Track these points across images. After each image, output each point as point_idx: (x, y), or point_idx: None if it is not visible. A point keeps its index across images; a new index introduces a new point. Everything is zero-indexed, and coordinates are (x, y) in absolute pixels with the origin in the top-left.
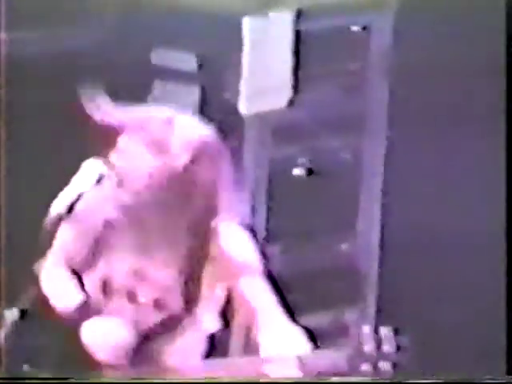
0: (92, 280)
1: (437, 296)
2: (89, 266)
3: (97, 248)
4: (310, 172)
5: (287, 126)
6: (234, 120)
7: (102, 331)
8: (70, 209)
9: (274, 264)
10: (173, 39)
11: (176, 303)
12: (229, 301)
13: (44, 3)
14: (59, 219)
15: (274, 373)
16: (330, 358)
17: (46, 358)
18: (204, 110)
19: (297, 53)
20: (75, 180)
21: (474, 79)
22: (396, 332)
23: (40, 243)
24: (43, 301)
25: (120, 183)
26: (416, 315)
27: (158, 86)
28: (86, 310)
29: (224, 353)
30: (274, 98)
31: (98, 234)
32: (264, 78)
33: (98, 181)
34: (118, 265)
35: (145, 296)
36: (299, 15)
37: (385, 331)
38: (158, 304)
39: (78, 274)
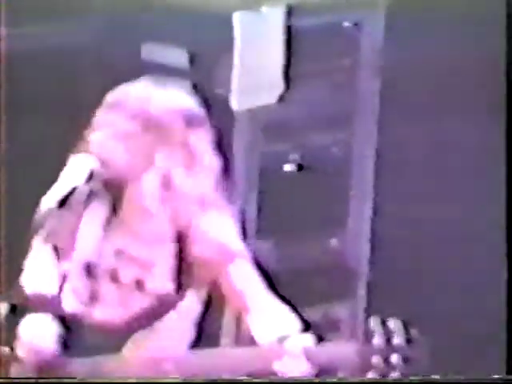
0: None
1: (427, 292)
2: (71, 249)
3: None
4: (300, 168)
5: (278, 122)
6: (225, 116)
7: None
8: (62, 203)
9: (264, 259)
10: (164, 35)
11: (163, 285)
12: (218, 289)
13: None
14: (50, 214)
15: (284, 368)
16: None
17: None
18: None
19: (288, 49)
20: (66, 175)
21: (465, 77)
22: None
23: (31, 238)
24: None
25: (103, 163)
26: (406, 311)
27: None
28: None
29: (215, 343)
30: (265, 94)
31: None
32: (255, 73)
33: (90, 176)
34: (103, 243)
35: (127, 276)
36: (290, 11)
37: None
38: (141, 286)
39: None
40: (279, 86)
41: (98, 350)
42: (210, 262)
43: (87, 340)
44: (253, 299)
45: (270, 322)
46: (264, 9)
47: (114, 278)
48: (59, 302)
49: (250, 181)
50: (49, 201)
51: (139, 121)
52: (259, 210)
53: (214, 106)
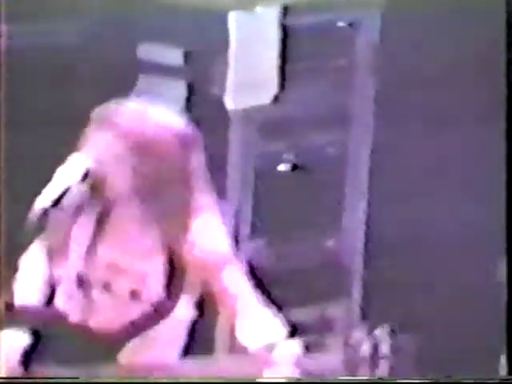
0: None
1: (423, 294)
2: (64, 258)
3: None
4: (295, 168)
5: (273, 122)
6: (219, 115)
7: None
8: (56, 203)
9: (258, 259)
10: (159, 34)
11: (155, 294)
12: (211, 296)
13: None
14: (44, 213)
15: (274, 376)
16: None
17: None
18: (190, 105)
19: (283, 48)
20: (61, 174)
21: (461, 77)
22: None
23: (25, 237)
24: None
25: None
26: (402, 312)
27: (143, 81)
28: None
29: (210, 350)
30: (260, 94)
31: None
32: (250, 73)
33: (85, 175)
34: (93, 257)
35: (121, 287)
36: (286, 11)
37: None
38: (136, 296)
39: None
40: (274, 85)
41: (92, 357)
42: (202, 268)
43: (80, 348)
44: (243, 305)
45: (258, 328)
46: (259, 9)
47: (108, 287)
48: (46, 310)
49: (244, 181)
50: (43, 200)
51: (129, 139)
52: (254, 209)
53: (209, 105)
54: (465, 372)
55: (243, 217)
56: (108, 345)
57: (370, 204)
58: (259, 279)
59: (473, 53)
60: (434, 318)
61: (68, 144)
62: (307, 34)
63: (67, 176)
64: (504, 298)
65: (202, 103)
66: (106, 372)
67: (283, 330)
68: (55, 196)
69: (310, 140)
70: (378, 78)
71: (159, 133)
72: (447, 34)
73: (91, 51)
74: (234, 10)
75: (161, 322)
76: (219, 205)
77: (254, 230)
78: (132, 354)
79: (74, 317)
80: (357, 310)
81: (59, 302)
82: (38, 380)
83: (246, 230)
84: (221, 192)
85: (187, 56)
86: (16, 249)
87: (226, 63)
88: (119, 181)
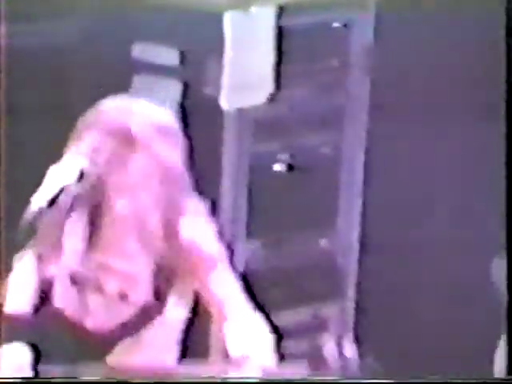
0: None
1: (417, 294)
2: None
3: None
4: (290, 168)
5: (268, 122)
6: (214, 115)
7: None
8: (52, 202)
9: (253, 259)
10: (154, 34)
11: (145, 295)
12: (202, 299)
13: None
14: (40, 213)
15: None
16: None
17: None
18: (185, 104)
19: (278, 49)
20: (56, 173)
21: (455, 76)
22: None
23: (19, 237)
24: None
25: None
26: (396, 312)
27: (138, 81)
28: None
29: (204, 355)
30: (255, 94)
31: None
32: (245, 73)
33: (80, 175)
34: (86, 256)
35: (111, 288)
36: (281, 11)
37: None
38: (123, 296)
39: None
40: (269, 85)
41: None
42: (191, 269)
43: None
44: (231, 308)
45: (243, 334)
46: (254, 9)
47: (99, 288)
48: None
49: (239, 180)
50: (39, 200)
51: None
52: (248, 209)
53: (204, 105)
54: (463, 372)
55: (237, 217)
56: (100, 345)
57: (364, 204)
58: (251, 281)
59: (466, 53)
60: (432, 318)
61: (63, 144)
62: (302, 35)
63: (62, 176)
64: (504, 298)
65: (196, 103)
66: (96, 372)
67: (270, 335)
68: (50, 196)
69: (305, 140)
70: (372, 78)
71: (145, 129)
72: (442, 35)
73: (86, 51)
74: (229, 10)
75: (151, 323)
76: (210, 205)
77: (248, 230)
78: (123, 355)
79: (70, 314)
80: (351, 310)
81: (56, 299)
82: (35, 380)
83: (240, 229)
84: (215, 192)
85: (182, 56)
86: (11, 250)
87: (220, 63)
88: (111, 180)
